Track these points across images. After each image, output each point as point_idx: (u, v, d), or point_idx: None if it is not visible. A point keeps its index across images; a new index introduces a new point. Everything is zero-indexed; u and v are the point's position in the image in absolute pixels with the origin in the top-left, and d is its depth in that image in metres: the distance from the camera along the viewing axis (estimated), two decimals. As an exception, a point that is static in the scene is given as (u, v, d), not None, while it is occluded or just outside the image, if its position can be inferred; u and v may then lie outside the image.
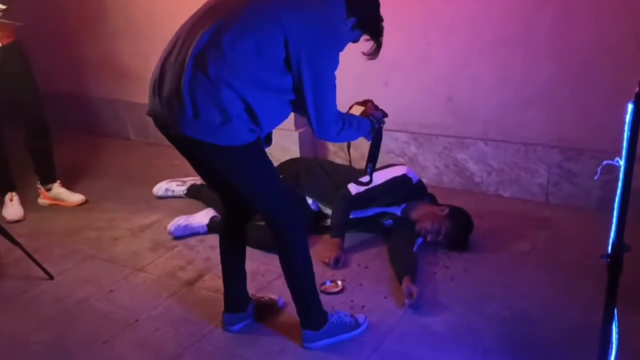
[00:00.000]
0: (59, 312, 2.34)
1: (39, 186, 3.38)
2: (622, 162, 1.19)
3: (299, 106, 1.78)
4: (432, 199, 2.84)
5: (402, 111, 3.41)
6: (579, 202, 3.03)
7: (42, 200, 3.40)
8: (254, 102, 1.67)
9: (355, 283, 2.45)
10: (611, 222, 1.33)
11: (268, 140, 1.88)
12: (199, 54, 1.65)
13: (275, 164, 3.09)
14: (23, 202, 3.29)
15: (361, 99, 2.09)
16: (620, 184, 1.17)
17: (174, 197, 3.36)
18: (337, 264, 2.56)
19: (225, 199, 2.06)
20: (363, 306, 2.28)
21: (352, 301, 2.32)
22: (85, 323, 2.26)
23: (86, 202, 3.39)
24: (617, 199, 1.18)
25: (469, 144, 3.26)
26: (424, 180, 2.96)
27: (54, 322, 2.28)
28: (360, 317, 2.14)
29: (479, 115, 3.20)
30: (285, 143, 3.61)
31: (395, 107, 3.42)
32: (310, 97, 1.72)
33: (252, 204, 1.94)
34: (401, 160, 3.43)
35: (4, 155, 3.24)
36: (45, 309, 2.37)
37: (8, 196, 3.25)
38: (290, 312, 2.26)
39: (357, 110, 2.03)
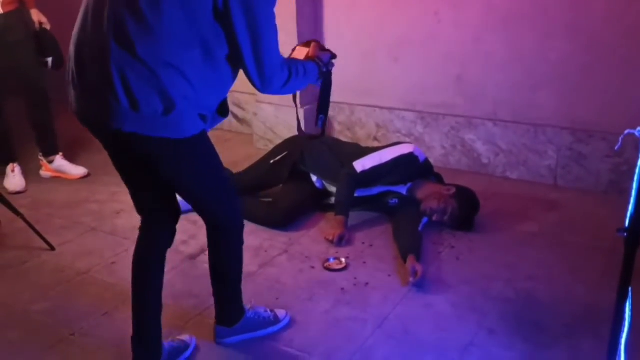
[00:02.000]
0: (59, 283, 2.32)
1: (41, 158, 3.36)
2: (644, 133, 1.14)
3: (237, 63, 1.52)
4: (439, 179, 2.80)
5: (410, 90, 3.36)
6: (588, 185, 2.99)
7: (44, 172, 3.37)
8: (193, 74, 1.44)
9: (359, 261, 2.43)
10: (620, 205, 1.29)
11: (224, 111, 1.62)
12: (119, 30, 1.39)
13: (280, 141, 3.09)
14: (25, 174, 3.27)
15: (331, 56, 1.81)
16: (641, 155, 1.12)
17: (177, 172, 3.32)
18: (341, 241, 2.54)
19: (152, 213, 1.76)
20: (367, 283, 2.26)
21: (355, 278, 2.30)
22: (86, 294, 2.25)
23: (88, 175, 3.36)
24: (637, 170, 1.13)
25: (477, 125, 3.21)
26: (430, 161, 2.92)
27: (55, 292, 2.27)
28: (281, 313, 2.01)
29: (489, 95, 3.14)
30: (290, 120, 3.56)
31: (403, 85, 3.41)
32: (246, 42, 1.45)
33: (196, 205, 1.74)
34: (407, 140, 3.39)
35: (5, 125, 3.21)
36: (46, 279, 2.35)
37: (10, 167, 3.22)
38: (291, 287, 2.24)
39: (301, 53, 1.77)
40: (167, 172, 1.59)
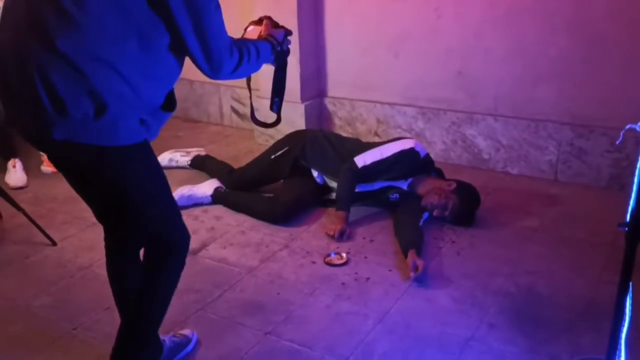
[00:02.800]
0: (61, 277, 2.33)
1: (42, 153, 3.35)
2: (645, 127, 1.15)
3: (181, 50, 1.39)
4: (439, 174, 2.81)
5: (411, 85, 3.36)
6: (588, 180, 2.99)
7: (44, 168, 3.37)
8: (128, 69, 1.30)
9: (360, 256, 2.43)
10: (621, 200, 1.30)
11: (170, 105, 1.47)
12: (37, 27, 1.25)
13: (281, 136, 3.09)
14: (26, 169, 3.27)
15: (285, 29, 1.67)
16: (643, 150, 1.13)
17: (177, 167, 3.32)
18: (342, 236, 2.54)
19: (109, 219, 1.63)
20: (368, 278, 2.27)
21: (356, 273, 2.31)
22: (88, 288, 2.25)
23: (89, 170, 3.36)
24: (638, 165, 1.13)
25: (478, 120, 3.21)
26: (431, 156, 2.92)
27: (57, 286, 2.27)
28: (187, 332, 1.92)
29: (490, 90, 3.14)
30: (291, 115, 3.56)
31: (404, 80, 3.41)
32: (187, 26, 1.32)
33: (140, 222, 1.56)
34: (408, 135, 3.39)
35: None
36: (48, 274, 2.36)
37: (11, 162, 3.22)
38: (292, 281, 2.25)
39: (255, 33, 1.65)
40: (105, 184, 1.45)
